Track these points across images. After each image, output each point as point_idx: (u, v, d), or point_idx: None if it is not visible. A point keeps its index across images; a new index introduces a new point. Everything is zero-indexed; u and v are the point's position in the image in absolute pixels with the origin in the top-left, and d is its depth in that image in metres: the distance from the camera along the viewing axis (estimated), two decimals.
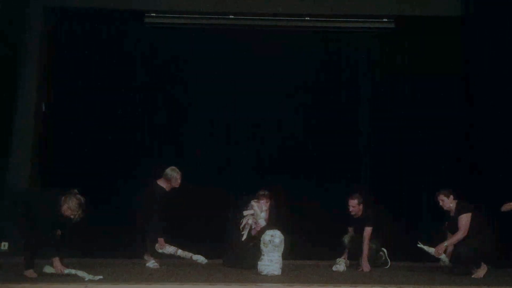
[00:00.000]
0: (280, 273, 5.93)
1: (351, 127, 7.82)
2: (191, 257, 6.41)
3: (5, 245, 7.04)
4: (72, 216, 5.49)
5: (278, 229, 6.08)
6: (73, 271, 5.53)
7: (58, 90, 7.62)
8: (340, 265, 6.43)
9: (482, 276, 5.98)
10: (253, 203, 6.38)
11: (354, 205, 6.59)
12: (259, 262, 6.00)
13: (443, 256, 6.12)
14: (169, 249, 6.39)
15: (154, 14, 7.75)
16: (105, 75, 7.66)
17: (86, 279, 5.42)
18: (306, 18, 7.81)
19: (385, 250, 6.78)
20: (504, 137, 7.17)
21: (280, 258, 5.99)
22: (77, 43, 7.65)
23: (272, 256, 5.95)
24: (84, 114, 7.58)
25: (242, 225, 6.42)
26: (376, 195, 7.23)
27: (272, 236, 6.00)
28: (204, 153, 7.54)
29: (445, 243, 6.13)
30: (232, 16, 7.78)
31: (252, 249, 6.34)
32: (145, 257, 6.54)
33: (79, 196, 5.53)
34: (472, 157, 7.44)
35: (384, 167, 7.68)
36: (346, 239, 6.73)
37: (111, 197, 7.19)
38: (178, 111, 7.73)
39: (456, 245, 6.10)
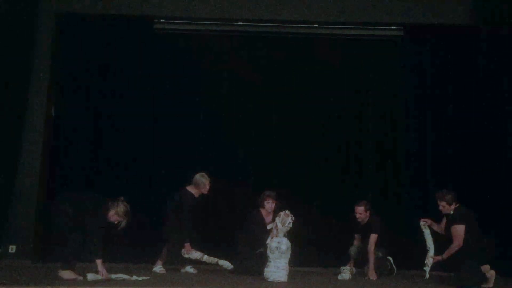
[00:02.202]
0: (286, 280, 5.91)
1: (358, 132, 7.82)
2: (217, 262, 6.41)
3: (12, 248, 7.08)
4: (116, 222, 5.64)
5: (285, 236, 6.08)
6: (113, 276, 5.61)
7: (68, 94, 7.65)
8: (345, 273, 6.41)
9: (491, 286, 5.91)
10: (282, 214, 6.11)
11: (361, 212, 6.58)
12: (265, 269, 5.99)
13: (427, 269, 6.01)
14: (195, 254, 6.39)
15: (163, 20, 7.79)
16: (115, 80, 7.70)
17: (134, 279, 5.59)
18: (315, 25, 7.82)
19: (391, 259, 6.75)
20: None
21: (287, 265, 5.98)
22: (87, 49, 7.69)
23: (278, 262, 5.94)
24: (94, 118, 7.62)
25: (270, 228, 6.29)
26: (383, 202, 7.23)
27: (278, 242, 5.98)
28: (212, 156, 7.54)
29: (442, 256, 5.99)
30: (241, 23, 7.80)
31: (258, 256, 6.34)
32: (157, 262, 6.55)
33: (126, 203, 5.66)
34: (478, 162, 7.41)
35: (391, 173, 7.66)
36: (352, 250, 6.71)
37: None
38: (189, 115, 7.73)
39: (460, 267, 5.91)
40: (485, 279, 5.95)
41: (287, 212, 6.12)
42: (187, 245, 6.38)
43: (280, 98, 7.72)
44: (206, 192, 6.56)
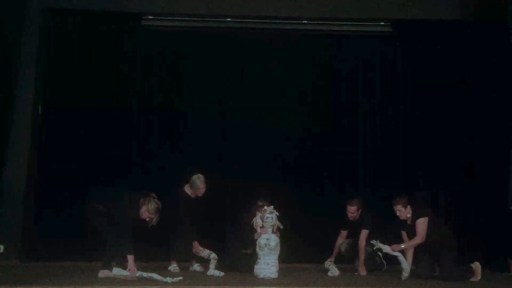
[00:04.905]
0: (276, 276, 5.93)
1: (349, 129, 7.80)
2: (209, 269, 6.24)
3: (0, 248, 7.03)
4: (148, 219, 5.62)
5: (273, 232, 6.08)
6: (144, 274, 5.53)
7: (55, 92, 7.57)
8: (335, 270, 6.40)
9: (479, 278, 6.02)
10: (263, 210, 6.15)
11: (353, 211, 6.61)
12: (255, 266, 6.00)
13: (404, 265, 6.03)
14: (205, 252, 6.32)
15: (151, 17, 7.73)
16: (102, 77, 7.62)
17: (168, 281, 5.43)
18: (304, 21, 7.80)
19: (380, 254, 6.75)
20: (501, 141, 7.14)
21: (277, 261, 5.99)
22: (74, 45, 7.61)
23: (268, 259, 5.95)
24: (81, 115, 7.53)
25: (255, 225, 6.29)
26: (372, 197, 7.25)
27: (267, 239, 5.99)
28: (204, 156, 7.50)
29: (402, 245, 6.12)
30: (230, 19, 7.77)
31: (249, 254, 6.34)
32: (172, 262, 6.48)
33: (157, 200, 5.64)
34: (470, 159, 7.45)
35: (381, 170, 7.65)
36: (342, 247, 6.75)
37: None
38: (176, 114, 7.69)
39: (442, 263, 6.06)
40: (471, 271, 6.02)
41: (265, 207, 6.13)
42: (195, 243, 6.33)
43: (268, 94, 7.68)
44: (200, 195, 6.48)
